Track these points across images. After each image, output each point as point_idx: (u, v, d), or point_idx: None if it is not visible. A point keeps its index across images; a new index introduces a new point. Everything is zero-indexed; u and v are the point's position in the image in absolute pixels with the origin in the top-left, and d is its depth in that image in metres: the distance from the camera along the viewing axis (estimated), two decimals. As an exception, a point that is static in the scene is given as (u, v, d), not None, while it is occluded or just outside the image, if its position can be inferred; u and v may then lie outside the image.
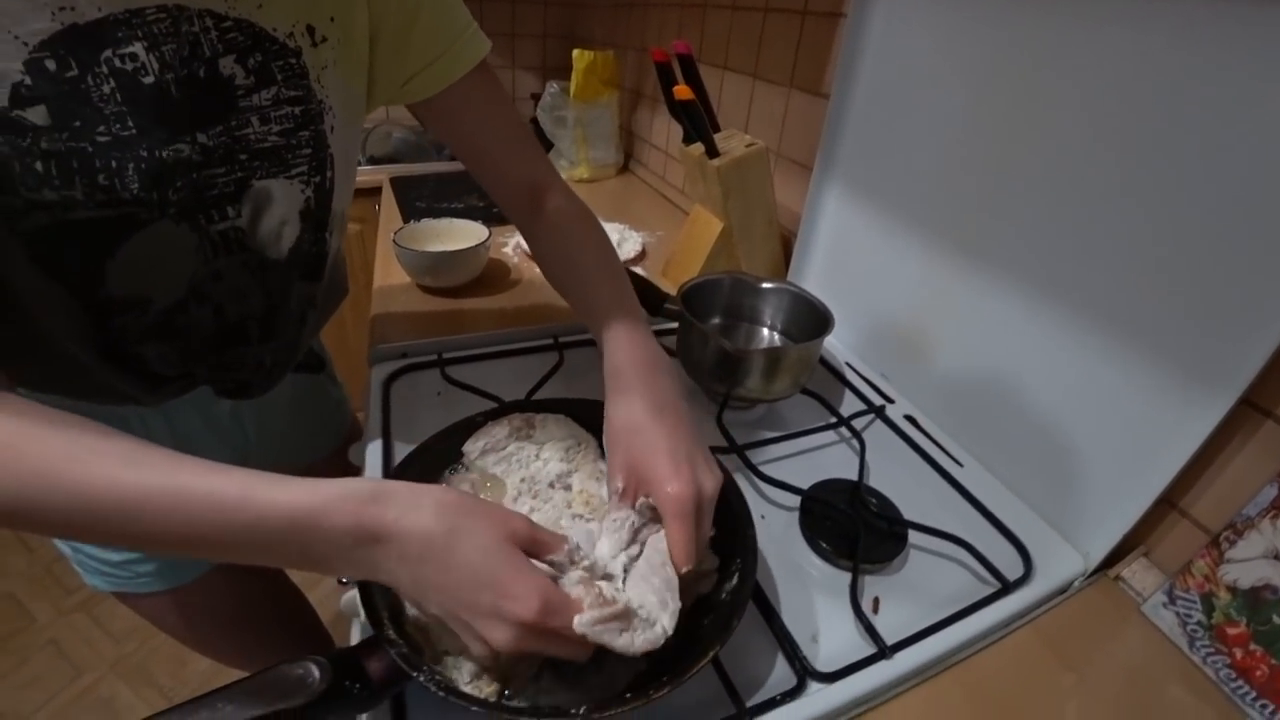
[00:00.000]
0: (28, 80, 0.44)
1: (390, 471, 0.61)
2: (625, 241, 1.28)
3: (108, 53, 0.47)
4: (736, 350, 0.76)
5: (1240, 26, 0.51)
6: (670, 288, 0.92)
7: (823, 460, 0.79)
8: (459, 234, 1.16)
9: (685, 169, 1.09)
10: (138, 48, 0.48)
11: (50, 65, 0.45)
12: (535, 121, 1.85)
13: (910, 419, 0.85)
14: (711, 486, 0.53)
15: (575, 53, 1.63)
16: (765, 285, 0.91)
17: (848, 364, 0.96)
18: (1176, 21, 0.55)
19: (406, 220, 1.38)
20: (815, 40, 1.05)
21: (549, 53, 2.42)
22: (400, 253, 1.06)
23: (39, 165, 0.46)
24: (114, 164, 0.49)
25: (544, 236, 0.76)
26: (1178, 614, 0.60)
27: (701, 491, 0.52)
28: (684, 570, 0.50)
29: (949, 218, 0.81)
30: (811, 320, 0.86)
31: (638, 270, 1.07)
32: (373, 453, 0.73)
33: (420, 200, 1.54)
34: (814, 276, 1.06)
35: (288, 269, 0.65)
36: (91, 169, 0.48)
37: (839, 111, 0.94)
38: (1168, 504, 0.64)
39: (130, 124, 0.49)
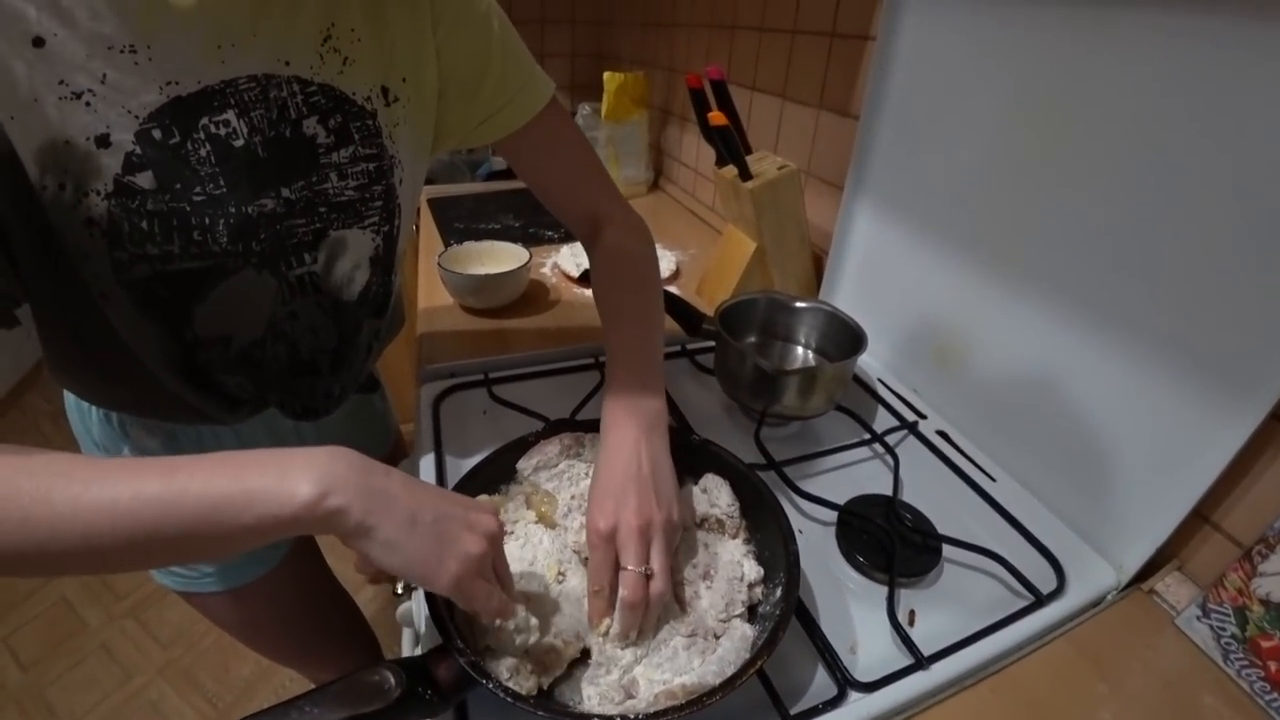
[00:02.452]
0: (138, 149, 0.49)
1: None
2: (660, 261, 1.30)
3: (205, 120, 0.52)
4: (774, 369, 0.79)
5: (1276, 44, 0.52)
6: (704, 306, 0.95)
7: (858, 475, 0.81)
8: (500, 256, 1.20)
9: (718, 189, 1.12)
10: (230, 114, 0.54)
11: (156, 134, 0.50)
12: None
13: (943, 434, 0.87)
14: (630, 520, 0.55)
15: (606, 75, 1.67)
16: (799, 304, 0.94)
17: (880, 380, 0.98)
18: (1207, 40, 0.56)
19: (446, 240, 1.43)
20: (844, 62, 1.08)
21: (577, 71, 2.46)
22: (445, 275, 1.10)
23: (144, 224, 0.52)
24: (206, 220, 0.54)
25: (596, 268, 0.80)
26: (1211, 627, 0.61)
27: (620, 525, 0.55)
28: (590, 589, 0.56)
29: (980, 234, 0.82)
30: (845, 338, 0.88)
31: (673, 289, 1.10)
32: (426, 469, 0.77)
33: (459, 221, 1.59)
34: (845, 293, 1.08)
35: (358, 308, 0.70)
36: (188, 226, 0.53)
37: (869, 132, 0.96)
38: (1200, 517, 0.65)
39: (221, 183, 0.54)
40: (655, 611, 0.55)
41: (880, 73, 0.91)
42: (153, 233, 0.52)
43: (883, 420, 0.90)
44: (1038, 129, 0.72)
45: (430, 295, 1.19)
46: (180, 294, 0.57)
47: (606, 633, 0.55)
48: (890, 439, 0.84)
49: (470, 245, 1.21)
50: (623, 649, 0.54)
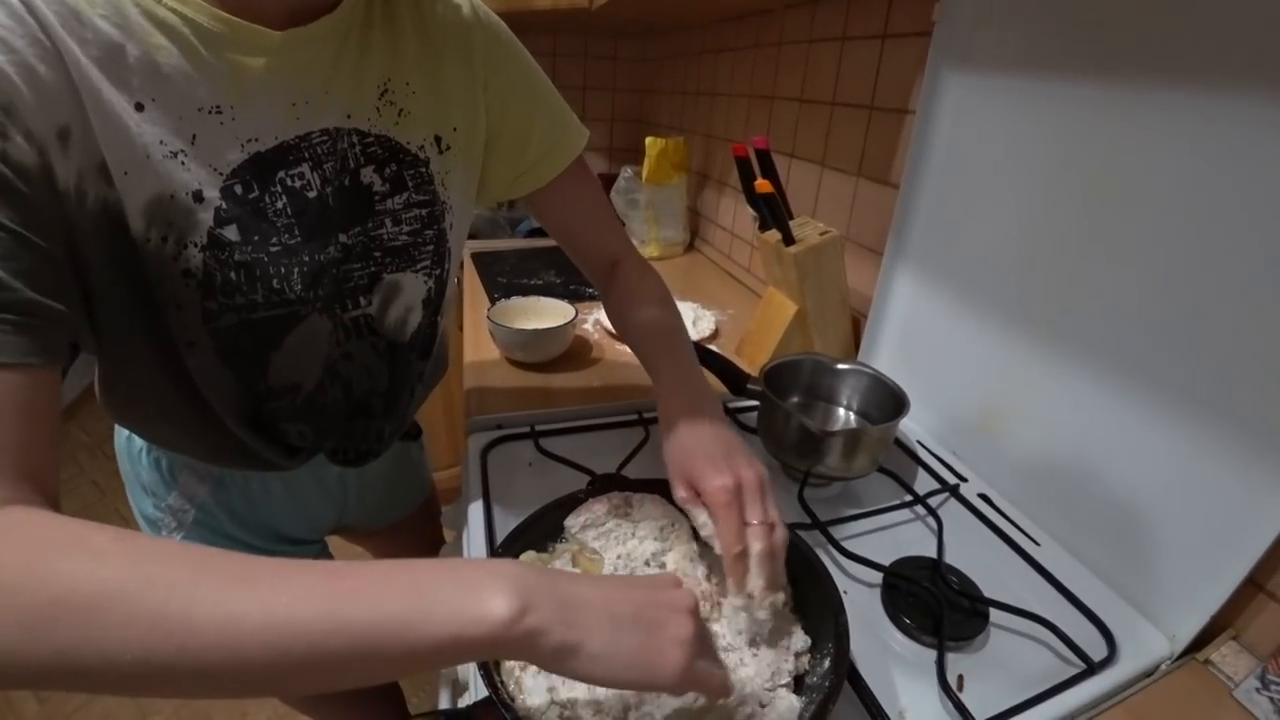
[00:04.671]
0: (223, 204, 0.53)
1: (498, 543, 0.66)
2: (700, 320, 1.34)
3: (281, 174, 0.56)
4: (820, 430, 0.80)
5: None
6: (744, 366, 0.97)
7: (900, 537, 0.81)
8: (545, 311, 1.24)
9: (760, 253, 1.15)
10: (304, 168, 0.58)
11: (238, 189, 0.54)
12: (607, 202, 1.96)
13: (984, 497, 0.87)
14: (750, 475, 0.57)
15: (648, 140, 1.73)
16: (842, 366, 0.96)
17: (919, 442, 0.99)
18: (1250, 117, 0.58)
19: (491, 294, 1.48)
20: (882, 133, 1.11)
21: (616, 135, 2.55)
22: (495, 329, 1.14)
23: (233, 274, 0.55)
24: (283, 269, 0.58)
25: (614, 297, 0.84)
26: (1271, 699, 0.60)
27: (741, 481, 0.57)
28: (732, 553, 0.55)
29: (1022, 303, 0.84)
30: (887, 401, 0.89)
31: (713, 348, 1.13)
32: (475, 518, 0.78)
33: (501, 276, 1.64)
34: (884, 356, 1.10)
35: (408, 350, 0.73)
36: (269, 275, 0.57)
37: (908, 201, 0.99)
38: (1254, 585, 0.64)
39: (296, 233, 0.58)
40: (781, 559, 0.57)
41: (920, 145, 0.95)
42: (239, 283, 0.56)
43: (924, 482, 0.91)
44: (1080, 201, 0.75)
45: (476, 348, 1.23)
46: (261, 342, 0.61)
47: (752, 595, 0.55)
48: (932, 501, 0.85)
49: (517, 300, 1.26)
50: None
